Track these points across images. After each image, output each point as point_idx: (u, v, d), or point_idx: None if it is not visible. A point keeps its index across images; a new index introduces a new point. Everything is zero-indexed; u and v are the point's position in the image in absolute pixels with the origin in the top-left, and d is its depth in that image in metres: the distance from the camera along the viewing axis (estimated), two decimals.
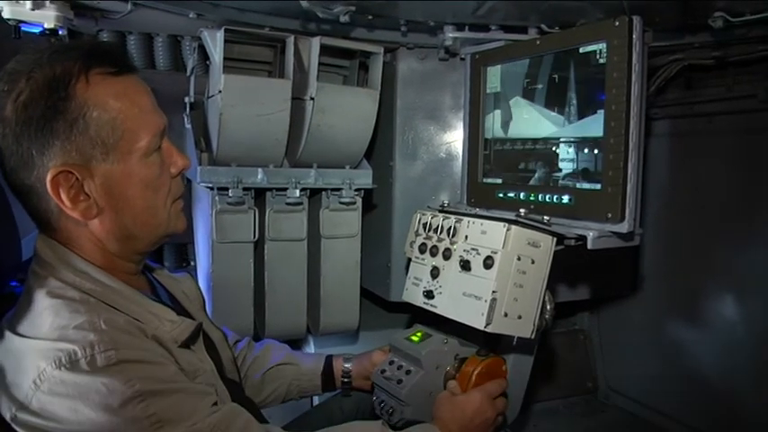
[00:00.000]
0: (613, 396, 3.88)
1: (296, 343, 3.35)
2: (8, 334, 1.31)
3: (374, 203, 3.00)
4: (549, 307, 1.98)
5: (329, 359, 2.23)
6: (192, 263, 3.19)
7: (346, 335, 3.09)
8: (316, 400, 2.62)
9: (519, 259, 1.87)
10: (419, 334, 2.16)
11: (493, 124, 2.45)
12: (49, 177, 1.31)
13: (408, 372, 2.05)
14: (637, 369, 3.69)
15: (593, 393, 3.96)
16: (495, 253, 1.86)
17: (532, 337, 1.95)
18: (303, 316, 2.71)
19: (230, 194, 2.40)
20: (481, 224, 1.95)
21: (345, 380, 2.21)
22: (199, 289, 1.93)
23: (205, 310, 1.93)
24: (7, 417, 1.24)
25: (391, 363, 2.12)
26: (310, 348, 3.25)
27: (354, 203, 2.67)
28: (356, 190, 2.64)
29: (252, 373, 2.06)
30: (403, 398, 1.98)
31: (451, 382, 1.99)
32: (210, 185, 2.40)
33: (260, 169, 2.48)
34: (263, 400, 2.12)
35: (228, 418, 1.40)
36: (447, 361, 2.06)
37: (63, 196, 1.33)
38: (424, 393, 1.99)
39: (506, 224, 1.87)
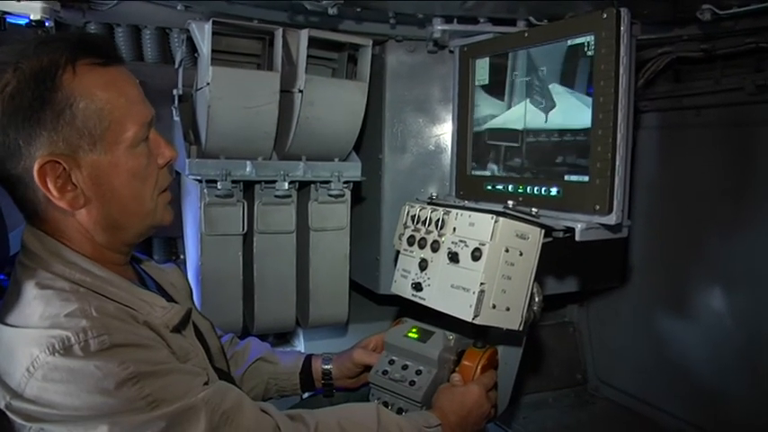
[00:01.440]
0: (603, 388, 3.90)
1: (285, 336, 3.36)
2: None
3: (363, 196, 3.01)
4: (537, 299, 1.99)
5: (308, 359, 2.21)
6: (182, 256, 3.19)
7: (335, 327, 3.10)
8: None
9: (507, 251, 1.88)
10: (415, 329, 2.16)
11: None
12: (35, 167, 1.32)
13: (418, 372, 2.06)
14: (626, 361, 3.71)
15: (583, 385, 3.98)
16: (483, 245, 1.87)
17: (521, 329, 1.96)
18: (292, 309, 2.71)
19: (219, 187, 2.40)
20: (469, 216, 1.96)
21: (326, 381, 2.20)
22: (186, 279, 1.94)
23: (192, 300, 1.94)
24: (1, 405, 1.25)
25: (391, 362, 2.12)
26: (300, 341, 3.27)
27: (343, 196, 2.67)
28: (345, 182, 2.63)
29: (232, 369, 2.06)
30: (420, 399, 1.99)
31: (455, 375, 2.01)
32: (199, 178, 2.39)
33: (249, 162, 2.47)
34: None
35: (221, 393, 1.42)
36: (451, 356, 2.08)
37: (50, 186, 1.34)
38: (433, 390, 2.00)
39: (494, 216, 1.88)
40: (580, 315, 4.04)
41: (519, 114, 2.29)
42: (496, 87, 2.39)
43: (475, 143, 2.49)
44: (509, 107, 2.34)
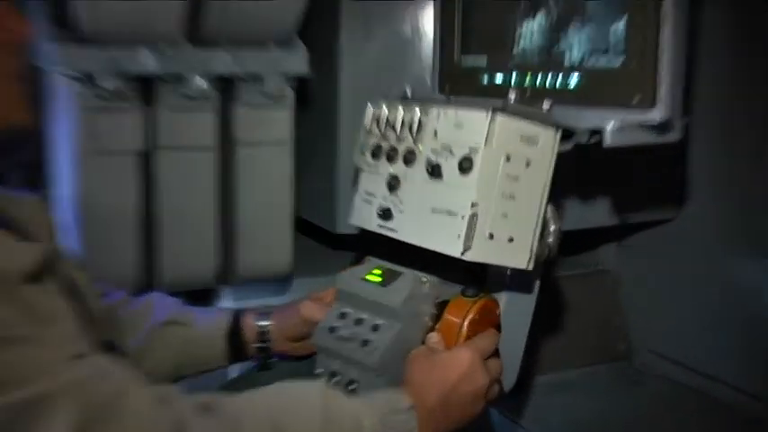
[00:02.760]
0: (654, 361, 3.88)
1: (203, 295, 3.36)
2: None
3: (312, 99, 3.00)
4: (552, 227, 1.97)
5: (236, 316, 2.19)
6: (48, 190, 3.15)
7: (274, 283, 3.11)
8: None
9: (508, 160, 1.86)
10: (378, 271, 2.14)
11: None
12: None
13: (376, 327, 2.00)
14: (686, 323, 3.68)
15: (626, 359, 3.98)
16: (476, 151, 1.85)
17: (530, 268, 1.95)
18: (212, 256, 2.72)
19: (104, 86, 2.37)
20: (455, 114, 1.93)
21: (262, 344, 2.18)
22: (48, 213, 1.89)
23: (57, 239, 1.88)
24: None
25: (343, 315, 2.08)
26: (224, 302, 3.26)
27: (283, 97, 2.66)
28: (285, 78, 2.62)
29: (125, 337, 1.98)
30: (374, 365, 1.92)
31: (432, 335, 1.96)
32: (74, 74, 2.37)
33: (146, 49, 2.44)
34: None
35: (96, 375, 1.35)
36: (426, 307, 2.03)
37: None
38: (400, 355, 1.94)
39: (490, 112, 1.86)
40: (620, 260, 4.04)
41: None
42: None
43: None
44: None
